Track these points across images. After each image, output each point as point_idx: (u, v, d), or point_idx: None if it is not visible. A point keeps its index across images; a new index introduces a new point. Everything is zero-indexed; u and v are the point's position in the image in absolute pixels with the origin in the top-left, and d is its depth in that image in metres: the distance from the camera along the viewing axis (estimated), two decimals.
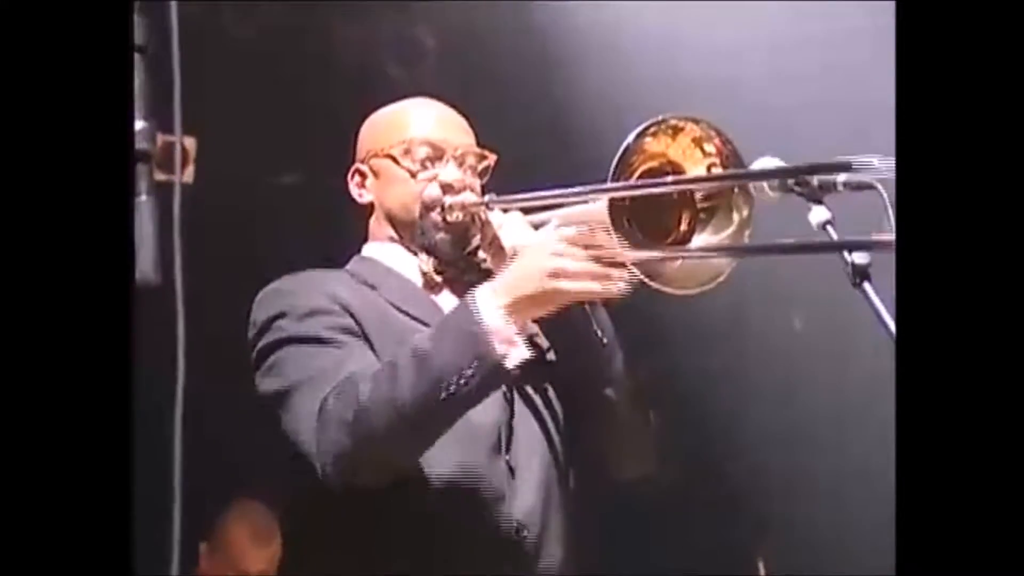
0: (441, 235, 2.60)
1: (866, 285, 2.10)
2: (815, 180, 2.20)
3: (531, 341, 2.58)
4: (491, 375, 2.34)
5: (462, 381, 2.30)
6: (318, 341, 2.45)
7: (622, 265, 2.38)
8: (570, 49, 4.28)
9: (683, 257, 2.44)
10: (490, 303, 2.36)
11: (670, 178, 2.42)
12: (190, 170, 4.35)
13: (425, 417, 2.34)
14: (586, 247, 2.38)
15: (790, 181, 2.23)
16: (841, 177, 2.18)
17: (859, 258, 2.11)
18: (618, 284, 2.38)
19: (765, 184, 2.28)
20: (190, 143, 4.33)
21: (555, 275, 2.36)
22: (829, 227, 2.18)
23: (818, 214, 2.19)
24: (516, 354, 2.35)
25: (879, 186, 2.11)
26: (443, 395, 2.31)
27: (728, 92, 3.88)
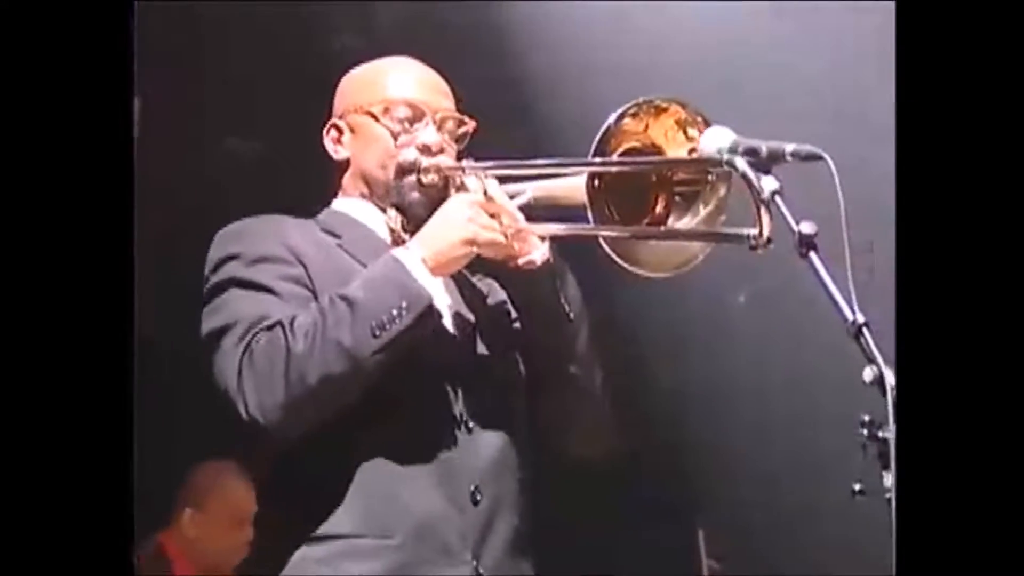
0: (416, 195, 2.61)
1: (812, 255, 2.12)
2: (764, 150, 2.22)
3: (499, 308, 2.60)
4: (421, 317, 2.40)
5: (395, 320, 2.37)
6: (262, 288, 2.47)
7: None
8: (547, 33, 4.26)
9: (646, 237, 2.47)
10: (414, 254, 2.44)
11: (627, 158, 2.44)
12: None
13: (356, 360, 2.36)
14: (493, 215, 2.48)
15: (739, 149, 2.25)
16: (789, 147, 2.20)
17: (806, 228, 2.13)
18: (532, 240, 2.51)
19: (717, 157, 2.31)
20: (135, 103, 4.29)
21: (471, 220, 2.46)
22: (778, 197, 2.20)
23: (767, 183, 2.21)
24: (441, 299, 2.46)
25: (827, 157, 2.13)
26: (375, 335, 2.36)
27: (713, 80, 3.88)
